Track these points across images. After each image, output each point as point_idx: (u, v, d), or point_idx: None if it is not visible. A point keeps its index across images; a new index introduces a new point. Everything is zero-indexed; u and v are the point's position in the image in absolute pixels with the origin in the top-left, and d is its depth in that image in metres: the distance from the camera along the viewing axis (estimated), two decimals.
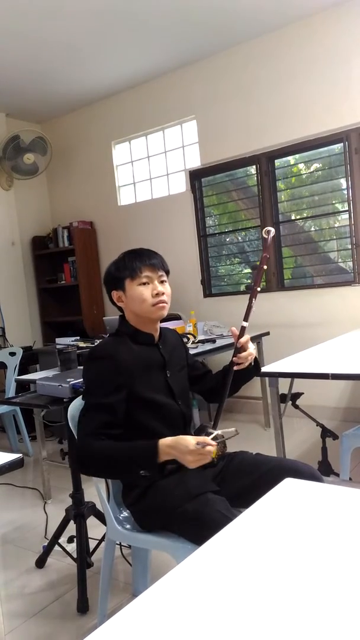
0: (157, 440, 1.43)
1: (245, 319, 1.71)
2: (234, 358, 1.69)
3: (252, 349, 1.73)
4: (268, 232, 1.73)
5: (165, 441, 1.43)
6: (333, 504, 1.03)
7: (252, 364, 1.76)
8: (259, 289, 1.71)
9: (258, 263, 1.75)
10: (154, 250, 1.72)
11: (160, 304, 1.64)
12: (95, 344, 1.82)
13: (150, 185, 4.97)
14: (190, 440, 1.40)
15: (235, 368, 1.70)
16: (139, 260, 1.65)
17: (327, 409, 3.96)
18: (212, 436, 1.46)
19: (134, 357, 1.62)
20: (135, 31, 3.78)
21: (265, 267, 1.74)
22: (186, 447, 1.38)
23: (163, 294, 1.65)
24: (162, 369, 1.69)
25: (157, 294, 1.63)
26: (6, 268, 5.06)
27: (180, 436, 1.44)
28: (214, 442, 1.41)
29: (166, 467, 1.47)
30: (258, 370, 1.82)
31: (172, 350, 1.76)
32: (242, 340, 1.69)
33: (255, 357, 1.77)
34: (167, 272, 1.72)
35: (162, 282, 1.67)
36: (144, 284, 1.63)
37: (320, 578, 0.80)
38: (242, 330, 1.70)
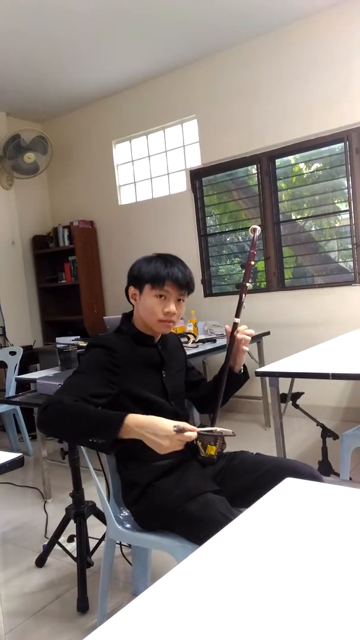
0: (126, 413, 1.33)
1: (237, 315, 1.74)
2: (237, 334, 1.71)
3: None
4: (254, 230, 1.77)
5: (136, 419, 1.32)
6: (333, 504, 1.03)
7: (242, 370, 1.78)
8: (248, 284, 1.73)
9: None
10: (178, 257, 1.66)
11: (167, 323, 1.62)
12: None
13: (151, 185, 4.96)
14: (168, 424, 1.30)
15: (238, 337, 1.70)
16: (168, 273, 1.58)
17: (327, 409, 3.96)
18: (207, 429, 1.46)
19: (133, 355, 1.62)
20: (136, 30, 3.78)
21: (253, 262, 1.77)
22: (164, 430, 1.29)
23: (174, 314, 1.61)
24: (159, 369, 1.69)
25: (168, 313, 1.60)
26: (6, 267, 5.06)
27: (157, 417, 1.33)
28: (193, 428, 1.32)
29: (121, 444, 1.36)
30: (247, 376, 1.82)
31: (171, 352, 1.76)
32: (239, 336, 1.71)
33: (244, 364, 1.79)
34: (191, 291, 1.67)
35: (179, 300, 1.63)
36: (161, 296, 1.60)
37: (321, 578, 0.80)
38: (235, 326, 1.72)
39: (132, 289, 1.66)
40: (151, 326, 1.65)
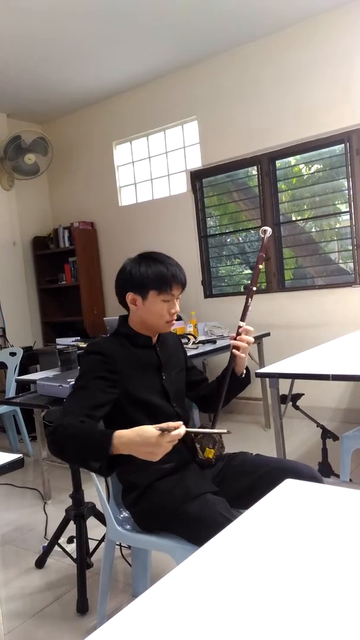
0: (112, 431, 1.30)
1: (242, 318, 1.71)
2: (233, 341, 1.70)
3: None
4: (264, 231, 1.73)
5: (120, 434, 1.28)
6: (333, 505, 1.03)
7: (244, 373, 1.77)
8: (254, 288, 1.70)
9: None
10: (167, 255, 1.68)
11: (172, 322, 1.67)
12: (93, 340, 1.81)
13: (151, 186, 4.97)
14: (152, 430, 1.25)
15: (235, 348, 1.69)
16: (172, 278, 1.59)
17: (327, 410, 3.95)
18: (202, 430, 1.46)
19: (131, 358, 1.62)
20: (136, 32, 3.79)
21: (261, 266, 1.74)
22: (150, 437, 1.24)
23: (177, 312, 1.66)
24: (158, 371, 1.69)
25: (174, 313, 1.64)
26: (7, 268, 5.06)
27: (139, 427, 1.28)
28: (178, 423, 1.25)
29: (119, 462, 1.37)
30: (248, 379, 1.81)
31: (170, 352, 1.76)
32: (232, 342, 1.70)
33: (247, 367, 1.78)
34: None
35: (177, 298, 1.67)
36: (167, 301, 1.62)
37: (321, 579, 0.80)
38: (239, 329, 1.70)
39: (131, 295, 1.62)
40: (157, 329, 1.67)
